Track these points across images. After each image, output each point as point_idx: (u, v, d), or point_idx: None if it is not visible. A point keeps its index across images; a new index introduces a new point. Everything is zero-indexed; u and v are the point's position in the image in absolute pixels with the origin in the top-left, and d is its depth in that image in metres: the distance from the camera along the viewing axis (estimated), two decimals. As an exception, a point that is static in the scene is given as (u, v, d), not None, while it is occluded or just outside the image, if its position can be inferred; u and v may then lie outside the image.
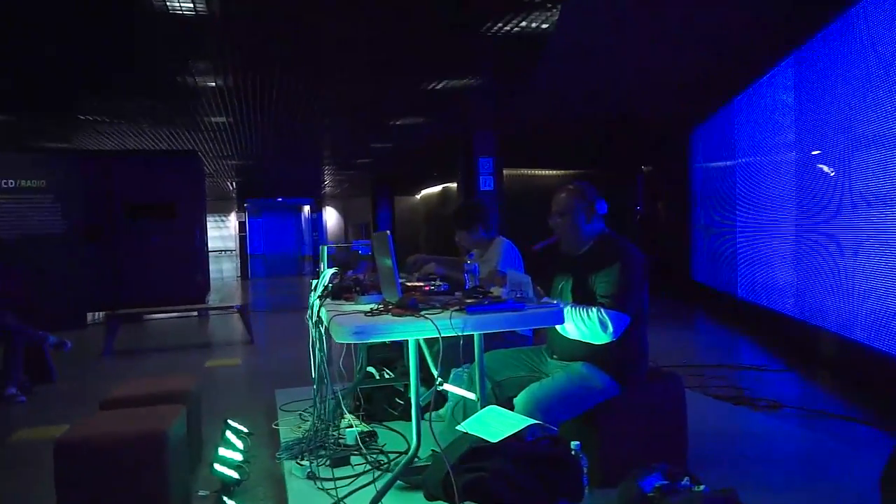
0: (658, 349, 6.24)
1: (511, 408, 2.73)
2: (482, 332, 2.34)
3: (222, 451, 3.20)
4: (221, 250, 22.39)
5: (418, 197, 21.49)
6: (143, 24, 5.87)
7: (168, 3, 5.32)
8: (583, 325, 2.55)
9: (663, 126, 10.63)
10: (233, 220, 22.24)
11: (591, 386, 2.61)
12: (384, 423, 3.70)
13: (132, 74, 7.42)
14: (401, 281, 3.64)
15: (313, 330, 3.13)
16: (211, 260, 22.66)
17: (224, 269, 22.44)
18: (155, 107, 8.85)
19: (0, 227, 9.45)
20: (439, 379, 2.66)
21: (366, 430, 3.48)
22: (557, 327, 2.61)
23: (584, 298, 2.66)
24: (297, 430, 3.71)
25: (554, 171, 13.94)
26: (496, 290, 2.72)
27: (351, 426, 3.53)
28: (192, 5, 5.35)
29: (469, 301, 2.34)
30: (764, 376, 5.04)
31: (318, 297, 3.09)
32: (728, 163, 8.24)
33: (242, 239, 19.66)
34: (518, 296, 2.51)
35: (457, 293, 2.99)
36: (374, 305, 2.64)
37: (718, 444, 3.36)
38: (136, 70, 7.30)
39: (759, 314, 7.05)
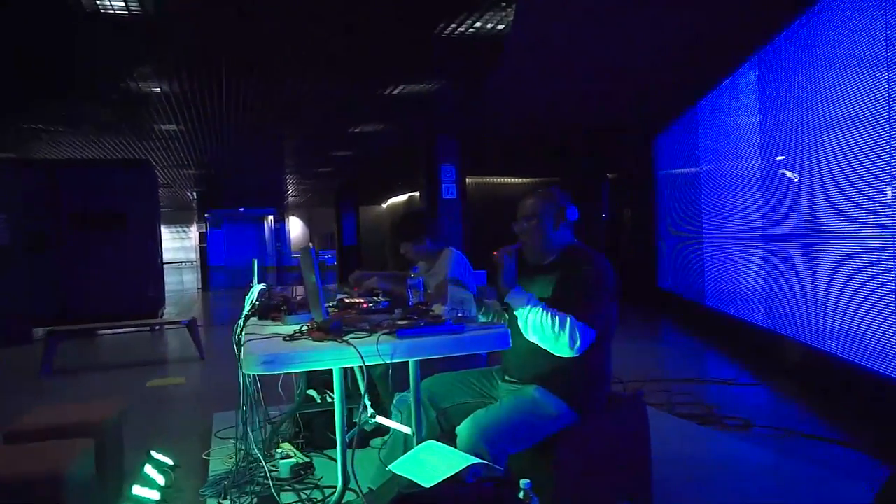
0: (621, 362, 6.02)
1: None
2: (416, 359, 2.05)
3: (137, 490, 2.86)
4: (182, 262, 21.81)
5: (384, 206, 21.16)
6: (77, 26, 5.51)
7: (99, 3, 4.98)
8: (550, 331, 2.26)
9: (627, 132, 10.49)
10: (194, 231, 21.67)
11: (543, 413, 2.34)
12: (325, 452, 3.38)
13: (71, 79, 7.03)
14: (341, 296, 3.36)
15: (238, 353, 2.81)
16: (171, 271, 22.11)
17: (185, 281, 21.84)
18: (98, 113, 8.44)
19: (-64, 238, 8.95)
20: (371, 410, 2.36)
21: (302, 461, 3.16)
22: (519, 323, 2.33)
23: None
24: (229, 461, 3.37)
25: (519, 179, 13.74)
26: (439, 308, 2.44)
27: (286, 457, 3.22)
28: (124, 4, 5.01)
29: (401, 323, 2.05)
30: (733, 391, 4.83)
31: (244, 316, 2.78)
32: (692, 169, 8.09)
33: (203, 250, 19.13)
34: (459, 315, 2.23)
35: (397, 310, 2.71)
36: (300, 327, 2.34)
37: (685, 472, 3.12)
38: (76, 75, 6.91)
39: (727, 323, 6.87)
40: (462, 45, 6.10)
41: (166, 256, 22.10)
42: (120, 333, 9.58)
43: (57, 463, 2.46)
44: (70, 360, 7.52)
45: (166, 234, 22.67)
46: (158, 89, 7.30)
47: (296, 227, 25.36)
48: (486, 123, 10.11)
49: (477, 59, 6.66)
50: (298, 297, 2.84)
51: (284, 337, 2.11)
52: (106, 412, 3.13)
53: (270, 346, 1.99)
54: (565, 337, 2.24)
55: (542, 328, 2.28)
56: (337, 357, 1.89)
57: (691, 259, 8.21)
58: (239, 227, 19.80)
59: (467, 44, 6.07)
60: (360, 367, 2.70)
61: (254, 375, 2.85)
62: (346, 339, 2.01)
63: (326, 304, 3.20)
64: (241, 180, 16.93)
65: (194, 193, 18.72)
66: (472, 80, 7.55)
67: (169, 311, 12.55)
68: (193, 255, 22.61)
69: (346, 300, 3.05)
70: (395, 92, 7.86)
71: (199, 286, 19.34)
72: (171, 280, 21.31)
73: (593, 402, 2.45)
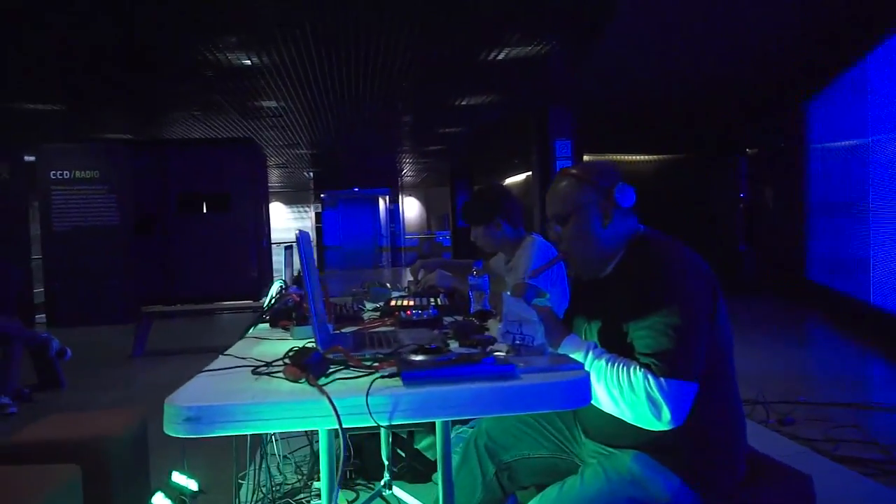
0: (762, 373, 4.88)
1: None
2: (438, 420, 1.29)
3: (134, 531, 2.32)
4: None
5: (501, 186, 20.42)
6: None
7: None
8: (620, 398, 1.48)
9: (772, 99, 9.11)
10: (312, 211, 21.96)
11: (648, 495, 1.53)
12: (375, 485, 2.71)
13: (168, 55, 6.80)
14: (398, 294, 2.68)
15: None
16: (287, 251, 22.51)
17: (305, 261, 22.14)
18: (198, 90, 8.24)
19: (54, 218, 9.17)
20: (386, 477, 1.65)
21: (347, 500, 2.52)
22: None
23: (618, 353, 1.58)
24: (263, 488, 2.79)
25: (643, 156, 12.53)
26: (496, 326, 1.68)
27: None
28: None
29: (415, 359, 1.31)
30: (917, 423, 3.71)
31: (256, 320, 2.16)
32: (859, 139, 6.73)
33: (319, 230, 19.32)
34: (515, 343, 1.47)
35: (449, 320, 1.98)
36: (306, 342, 1.67)
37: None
38: (173, 50, 6.66)
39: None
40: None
41: (287, 237, 22.59)
42: (226, 314, 9.50)
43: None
44: (169, 341, 7.44)
45: (287, 213, 23.12)
46: (249, 62, 6.92)
47: (412, 208, 25.14)
48: (605, 93, 9.09)
49: (589, 14, 5.74)
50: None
51: (256, 368, 1.43)
52: (113, 427, 2.62)
53: (217, 388, 1.31)
54: (644, 404, 1.44)
55: (609, 393, 1.49)
56: (300, 415, 1.18)
57: (853, 247, 6.88)
58: (354, 208, 19.77)
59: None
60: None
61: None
62: (328, 380, 1.30)
63: (376, 305, 2.53)
64: (356, 161, 16.78)
65: (311, 174, 18.83)
66: (585, 40, 6.62)
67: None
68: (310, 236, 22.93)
69: (394, 302, 2.36)
70: (500, 57, 7.07)
71: (315, 266, 19.58)
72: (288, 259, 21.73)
73: (722, 472, 1.60)
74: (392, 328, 1.96)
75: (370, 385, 1.21)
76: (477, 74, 7.88)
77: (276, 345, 1.80)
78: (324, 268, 18.82)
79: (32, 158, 9.29)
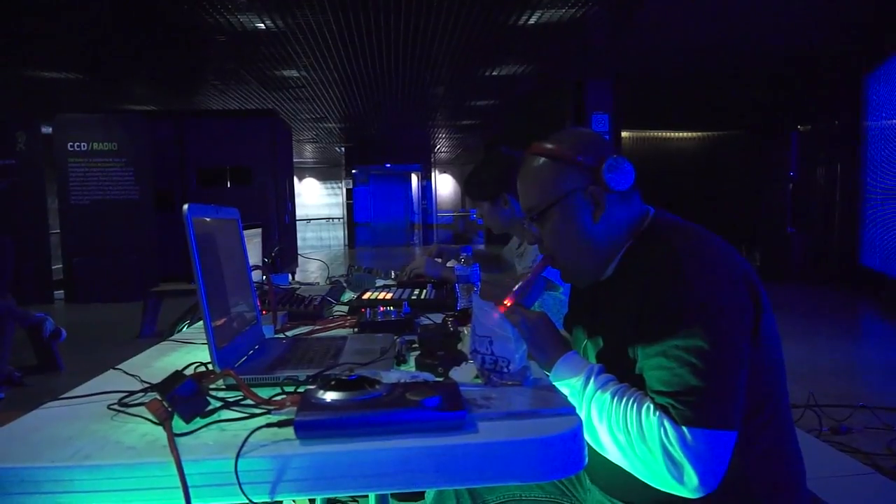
0: (811, 370, 4.39)
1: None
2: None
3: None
4: (328, 218, 21.95)
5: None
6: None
7: None
8: (629, 449, 1.05)
9: (827, 71, 8.43)
10: (344, 188, 21.74)
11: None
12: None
13: (173, 15, 6.45)
14: (381, 283, 2.29)
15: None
16: (320, 228, 22.29)
17: (339, 237, 21.94)
18: (214, 58, 7.90)
19: (71, 191, 8.97)
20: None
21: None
22: (586, 437, 1.10)
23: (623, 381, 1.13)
24: None
25: (686, 133, 11.88)
26: (468, 341, 1.25)
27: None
28: None
29: (324, 397, 0.90)
30: None
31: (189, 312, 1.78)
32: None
33: (349, 206, 19.06)
34: (485, 368, 1.05)
35: (423, 322, 1.58)
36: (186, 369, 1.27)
37: None
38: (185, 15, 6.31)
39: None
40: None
41: (320, 213, 22.37)
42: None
43: None
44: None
45: (321, 190, 22.90)
46: (263, 25, 6.54)
47: (446, 185, 24.70)
48: (646, 64, 8.51)
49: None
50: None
51: (115, 403, 1.03)
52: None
53: (38, 434, 0.92)
54: (659, 462, 1.00)
55: (614, 440, 1.06)
56: (136, 485, 0.78)
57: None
58: (385, 184, 19.43)
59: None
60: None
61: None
62: (204, 422, 0.90)
63: (353, 296, 2.11)
64: (387, 136, 16.42)
65: (342, 149, 18.52)
66: (625, 4, 6.07)
67: (307, 270, 12.25)
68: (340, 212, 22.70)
69: (368, 294, 1.96)
70: (532, 20, 6.55)
71: (346, 243, 19.30)
72: (323, 235, 21.52)
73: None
74: (348, 331, 1.56)
75: (245, 440, 0.81)
76: (508, 41, 7.38)
77: (203, 352, 1.42)
78: (354, 244, 18.56)
79: (49, 129, 9.09)
